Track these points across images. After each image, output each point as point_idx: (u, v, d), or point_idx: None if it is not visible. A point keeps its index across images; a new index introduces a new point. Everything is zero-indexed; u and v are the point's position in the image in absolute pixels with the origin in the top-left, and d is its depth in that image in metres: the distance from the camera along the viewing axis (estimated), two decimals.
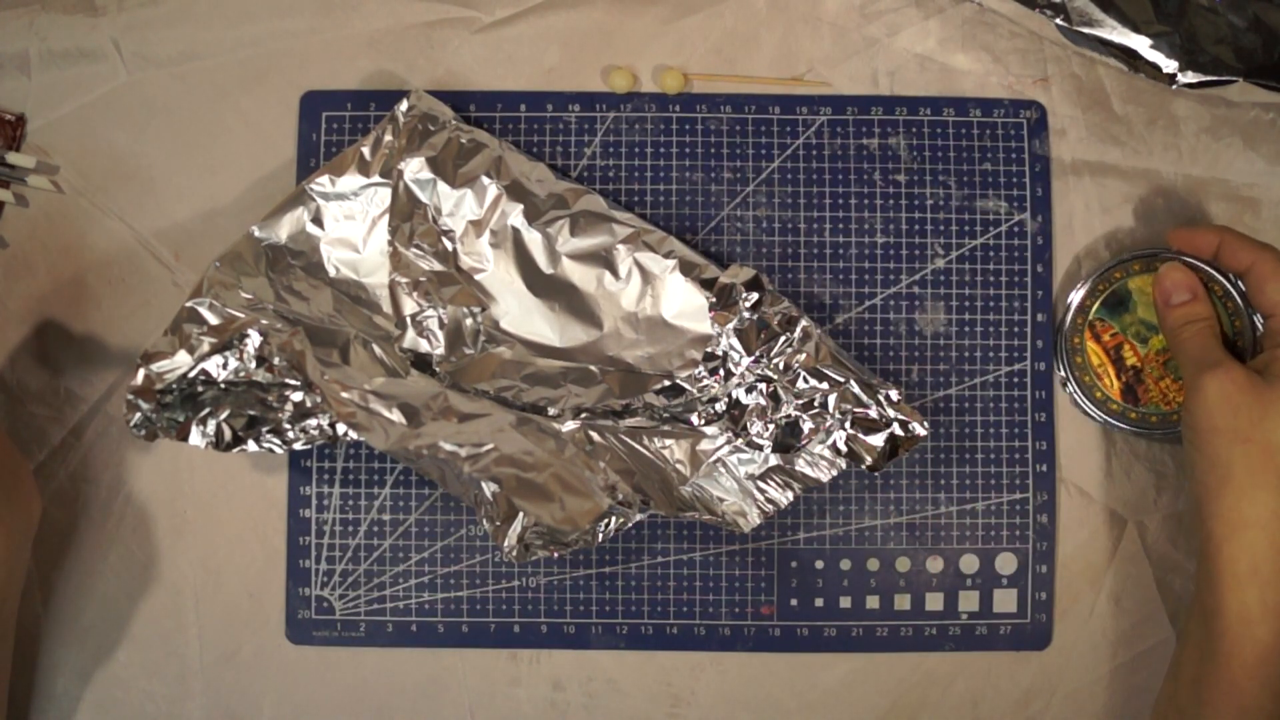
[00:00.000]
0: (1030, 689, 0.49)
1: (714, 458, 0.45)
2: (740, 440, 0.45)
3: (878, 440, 0.44)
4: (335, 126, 0.50)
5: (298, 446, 0.45)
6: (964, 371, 0.49)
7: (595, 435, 0.45)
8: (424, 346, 0.47)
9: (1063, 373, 0.49)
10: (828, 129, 0.50)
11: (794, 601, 0.49)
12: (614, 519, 0.43)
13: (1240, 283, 0.46)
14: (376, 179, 0.47)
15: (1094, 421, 0.49)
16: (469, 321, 0.47)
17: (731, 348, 0.46)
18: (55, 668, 0.49)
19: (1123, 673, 0.49)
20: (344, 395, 0.44)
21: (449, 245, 0.47)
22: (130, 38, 0.50)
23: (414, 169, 0.47)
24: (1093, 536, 0.49)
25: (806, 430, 0.45)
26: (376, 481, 0.49)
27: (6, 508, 0.43)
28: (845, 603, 0.49)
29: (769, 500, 0.45)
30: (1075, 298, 0.48)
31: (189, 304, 0.44)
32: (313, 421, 0.45)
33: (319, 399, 0.44)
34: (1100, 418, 0.48)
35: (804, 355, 0.45)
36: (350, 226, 0.47)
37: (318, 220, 0.47)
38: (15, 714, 0.48)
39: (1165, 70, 0.47)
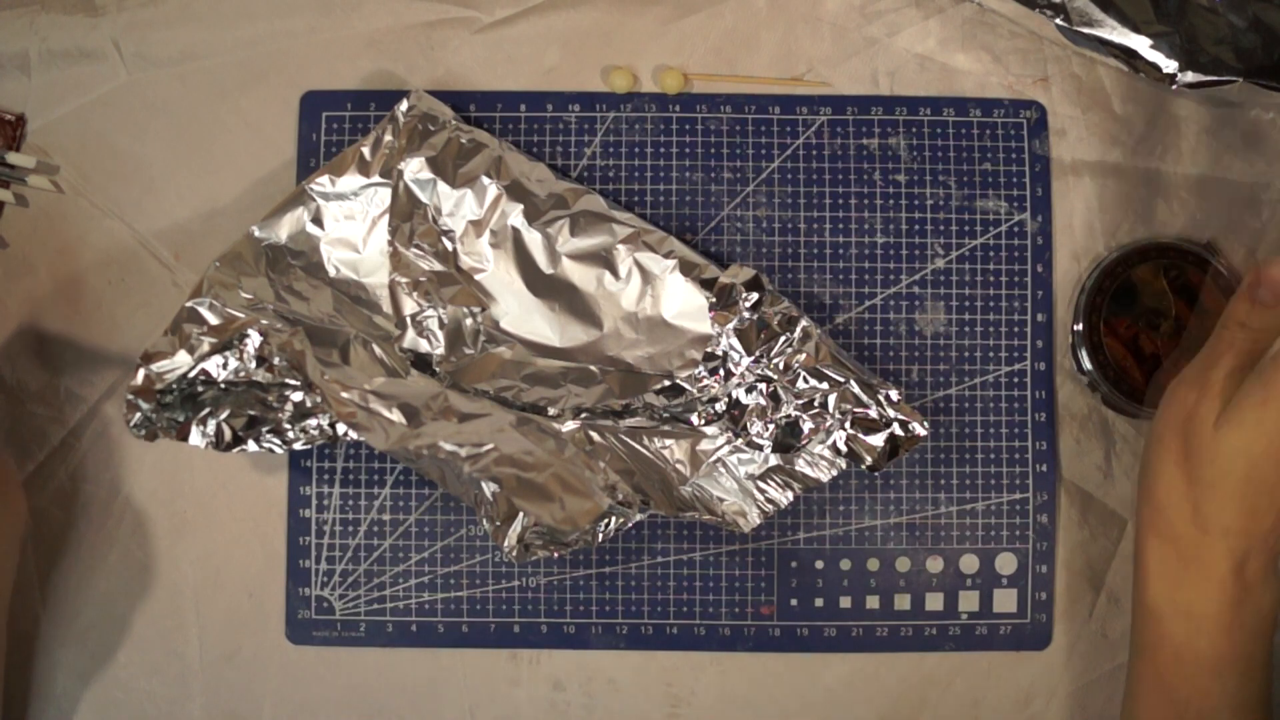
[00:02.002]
0: (1030, 689, 0.49)
1: (714, 458, 0.45)
2: (740, 440, 0.45)
3: (878, 440, 0.44)
4: (335, 126, 0.50)
5: (298, 446, 0.45)
6: (964, 371, 0.49)
7: (595, 435, 0.45)
8: (424, 346, 0.47)
9: (1085, 375, 0.49)
10: (828, 129, 0.50)
11: (794, 601, 0.49)
12: (614, 519, 0.43)
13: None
14: (376, 179, 0.47)
15: (1131, 417, 0.49)
16: (469, 321, 0.47)
17: (731, 348, 0.46)
18: (55, 668, 0.49)
19: (1123, 673, 0.49)
20: (344, 395, 0.44)
21: (449, 245, 0.47)
22: (130, 38, 0.50)
23: (414, 169, 0.47)
24: (1093, 536, 0.49)
25: (806, 430, 0.45)
26: (376, 481, 0.49)
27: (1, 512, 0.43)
28: (845, 603, 0.49)
29: (769, 500, 0.45)
30: (1085, 299, 0.48)
31: (189, 304, 0.44)
32: (313, 421, 0.45)
33: (319, 399, 0.44)
34: (1136, 411, 0.48)
35: (804, 355, 0.45)
36: (350, 226, 0.47)
37: (318, 220, 0.47)
38: (15, 714, 0.48)
39: (1165, 70, 0.47)
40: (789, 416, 0.45)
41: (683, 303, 0.47)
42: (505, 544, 0.42)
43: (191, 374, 0.43)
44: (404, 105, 0.47)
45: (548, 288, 0.47)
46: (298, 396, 0.44)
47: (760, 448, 0.45)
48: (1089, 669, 0.49)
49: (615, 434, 0.46)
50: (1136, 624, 0.43)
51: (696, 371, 0.46)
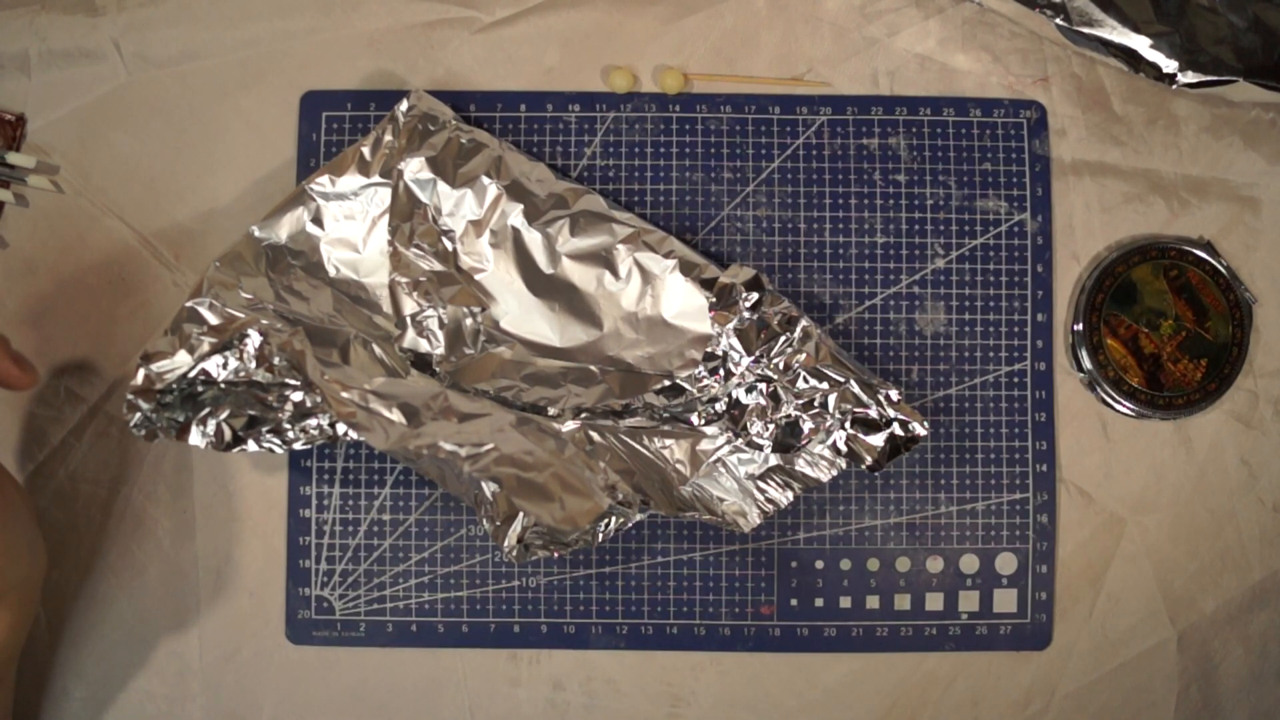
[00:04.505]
0: (1030, 689, 0.49)
1: (714, 458, 0.45)
2: (740, 440, 0.45)
3: (878, 440, 0.44)
4: (335, 126, 0.50)
5: (298, 446, 0.45)
6: (964, 371, 0.49)
7: (595, 435, 0.45)
8: (424, 346, 0.47)
9: (1084, 374, 0.49)
10: (828, 129, 0.50)
11: (794, 601, 0.49)
12: (614, 519, 0.43)
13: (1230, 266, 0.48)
14: (376, 179, 0.47)
15: (1127, 416, 0.49)
16: (469, 321, 0.47)
17: (731, 348, 0.46)
18: (55, 667, 0.49)
19: (1123, 673, 0.49)
20: (344, 395, 0.44)
21: (449, 245, 0.47)
22: (130, 38, 0.50)
23: (414, 169, 0.47)
24: (1093, 536, 0.49)
25: (806, 430, 0.45)
26: (376, 481, 0.49)
27: (25, 570, 0.42)
28: (845, 603, 0.49)
29: (769, 500, 0.45)
30: (1084, 298, 0.48)
31: (189, 304, 0.44)
32: (313, 421, 0.45)
33: (319, 399, 0.44)
34: (1134, 410, 0.48)
35: (804, 355, 0.45)
36: (350, 226, 0.47)
37: (318, 220, 0.47)
38: (18, 715, 0.48)
39: (1165, 70, 0.47)
40: (789, 416, 0.45)
41: (683, 303, 0.47)
42: (505, 544, 0.42)
43: (191, 374, 0.43)
44: (404, 105, 0.47)
45: (548, 288, 0.47)
46: (298, 396, 0.44)
47: (760, 448, 0.45)
48: (1089, 669, 0.49)
49: (615, 434, 0.46)
50: None
51: (696, 371, 0.46)
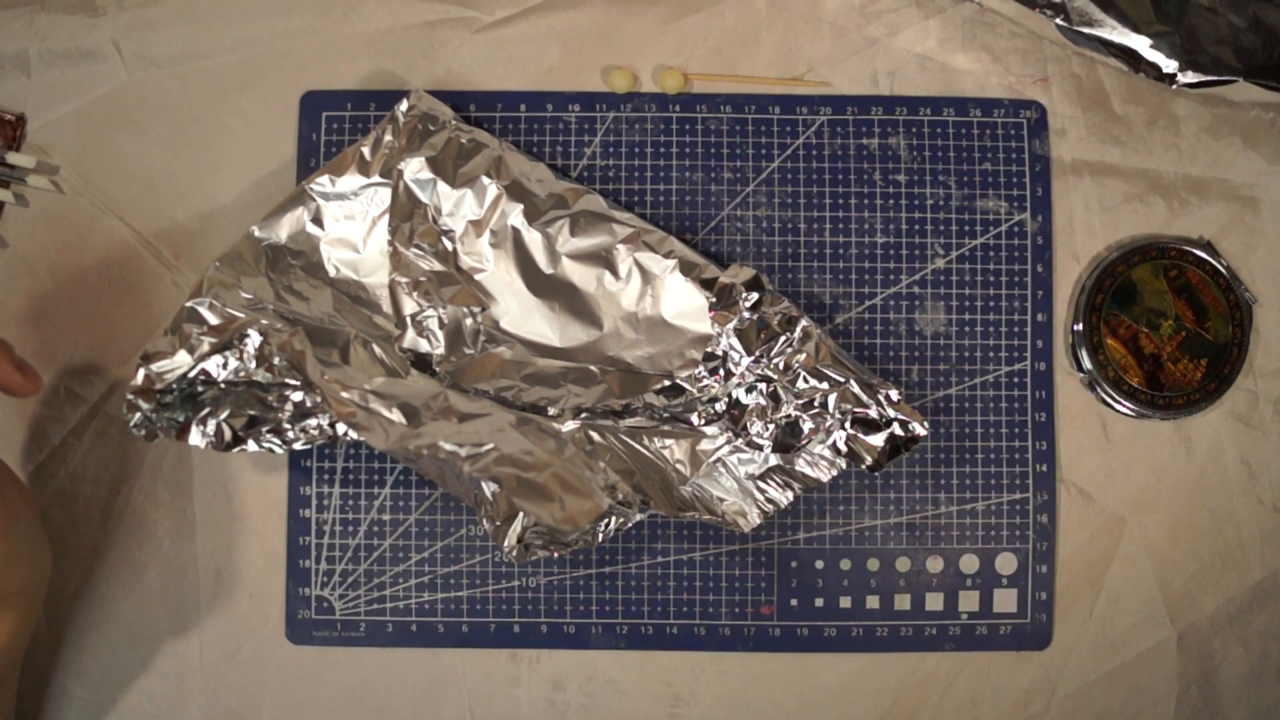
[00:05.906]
0: (1030, 689, 0.49)
1: (714, 458, 0.45)
2: (740, 440, 0.45)
3: (878, 440, 0.44)
4: (335, 126, 0.50)
5: (298, 446, 0.45)
6: (964, 371, 0.49)
7: (595, 435, 0.45)
8: (424, 346, 0.47)
9: (1084, 374, 0.49)
10: (828, 129, 0.50)
11: (794, 601, 0.49)
12: (614, 519, 0.43)
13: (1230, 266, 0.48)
14: (376, 179, 0.47)
15: (1128, 416, 0.49)
16: (469, 321, 0.47)
17: (731, 348, 0.46)
18: (55, 667, 0.49)
19: (1123, 673, 0.49)
20: (344, 395, 0.44)
21: (449, 245, 0.47)
22: (130, 38, 0.50)
23: (414, 169, 0.47)
24: (1093, 536, 0.49)
25: (806, 430, 0.45)
26: (376, 481, 0.49)
27: (30, 573, 0.42)
28: (845, 603, 0.49)
29: (769, 500, 0.45)
30: (1084, 298, 0.48)
31: (189, 304, 0.44)
32: (313, 421, 0.45)
33: (319, 399, 0.44)
34: (1134, 410, 0.48)
35: (804, 355, 0.45)
36: (350, 226, 0.47)
37: (318, 220, 0.47)
38: (19, 715, 0.48)
39: (1165, 70, 0.47)
40: (789, 416, 0.45)
41: (683, 303, 0.47)
42: (505, 544, 0.42)
43: (191, 374, 0.43)
44: (404, 105, 0.47)
45: (548, 288, 0.47)
46: (298, 396, 0.44)
47: (760, 448, 0.45)
48: (1089, 669, 0.49)
49: (615, 434, 0.46)
50: None
51: (696, 371, 0.46)
